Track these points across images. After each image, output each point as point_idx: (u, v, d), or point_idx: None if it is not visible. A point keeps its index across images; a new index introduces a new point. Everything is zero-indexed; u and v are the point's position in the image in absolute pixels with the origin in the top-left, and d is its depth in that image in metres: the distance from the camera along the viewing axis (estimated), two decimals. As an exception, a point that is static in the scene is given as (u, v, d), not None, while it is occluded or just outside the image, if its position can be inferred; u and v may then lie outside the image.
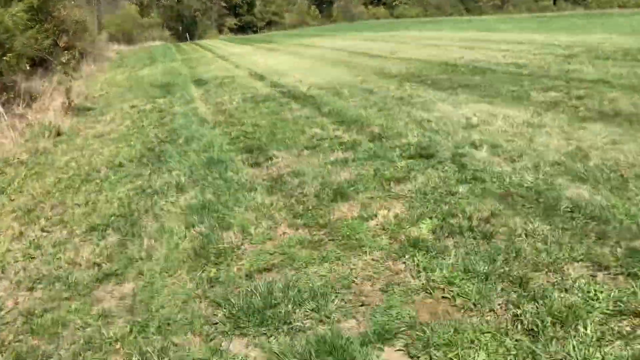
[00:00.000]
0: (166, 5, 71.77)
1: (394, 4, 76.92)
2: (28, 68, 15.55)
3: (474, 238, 3.06)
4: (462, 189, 3.86)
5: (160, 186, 4.90)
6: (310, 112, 7.49)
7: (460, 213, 3.41)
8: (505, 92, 7.52)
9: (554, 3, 78.88)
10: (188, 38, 68.79)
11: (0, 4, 14.06)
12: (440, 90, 8.00)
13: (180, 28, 75.57)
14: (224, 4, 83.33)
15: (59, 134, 8.45)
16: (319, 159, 5.14)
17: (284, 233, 3.51)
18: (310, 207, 3.84)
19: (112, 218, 4.21)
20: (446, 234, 3.16)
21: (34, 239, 4.00)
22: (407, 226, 3.33)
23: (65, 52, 13.66)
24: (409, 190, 3.95)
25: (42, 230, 4.20)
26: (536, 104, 6.68)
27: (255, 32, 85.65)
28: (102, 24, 48.99)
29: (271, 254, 3.19)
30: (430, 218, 3.41)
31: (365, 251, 3.07)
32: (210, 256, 3.25)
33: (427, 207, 3.58)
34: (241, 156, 5.61)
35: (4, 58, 12.14)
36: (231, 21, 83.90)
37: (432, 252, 2.94)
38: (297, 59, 16.71)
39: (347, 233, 3.33)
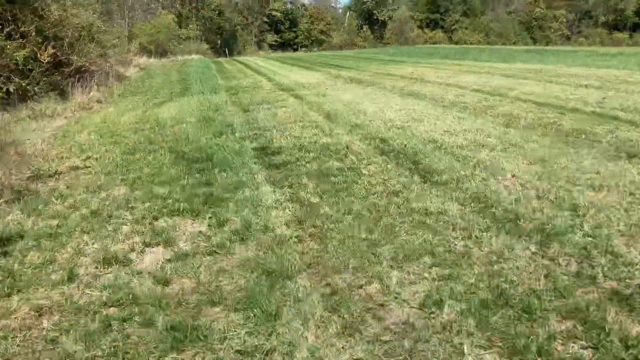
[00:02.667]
0: (206, 17, 66.20)
1: (452, 28, 69.87)
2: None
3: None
4: None
5: None
6: None
7: None
8: None
9: (630, 37, 70.96)
10: (227, 53, 63.06)
11: None
12: None
13: (219, 42, 70.05)
14: (265, 20, 78.00)
15: None
16: None
17: None
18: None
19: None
20: None
21: None
22: None
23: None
24: None
25: None
26: None
27: (295, 49, 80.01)
28: (134, 33, 43.19)
29: None
30: None
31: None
32: None
33: None
34: None
35: None
36: (271, 37, 78.52)
37: None
38: (431, 107, 9.59)
39: None
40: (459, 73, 16.07)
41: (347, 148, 6.60)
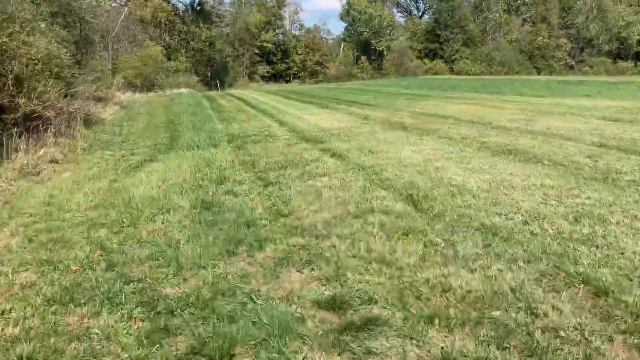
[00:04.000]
0: (196, 48, 63.32)
1: (452, 58, 67.58)
2: None
3: None
4: None
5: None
6: None
7: None
8: None
9: (635, 65, 69.02)
10: (218, 86, 60.02)
11: None
12: None
13: (210, 74, 67.16)
14: (257, 51, 75.46)
15: None
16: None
17: None
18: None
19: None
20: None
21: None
22: None
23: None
24: None
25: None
26: None
27: (287, 81, 77.25)
28: (118, 66, 39.82)
29: None
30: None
31: None
32: None
33: None
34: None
35: None
36: (263, 69, 75.90)
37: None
38: (574, 181, 5.99)
39: None
40: (532, 114, 12.56)
41: (546, 329, 2.93)
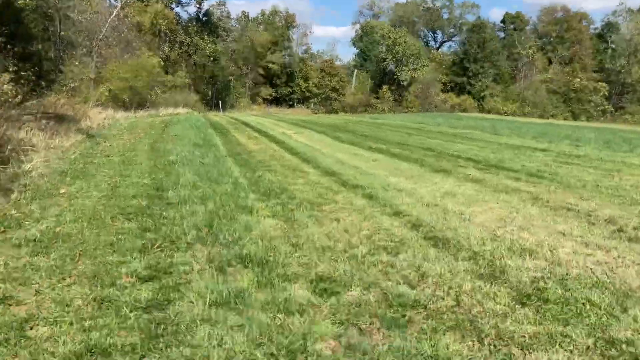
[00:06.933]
0: (198, 63, 56.19)
1: (481, 95, 61.04)
2: None
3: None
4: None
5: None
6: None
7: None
8: None
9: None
10: (220, 107, 52.84)
11: None
12: None
13: (211, 93, 60.04)
14: (261, 72, 68.83)
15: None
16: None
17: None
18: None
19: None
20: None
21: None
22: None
23: None
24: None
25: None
26: None
27: (291, 105, 70.79)
28: (104, 75, 32.17)
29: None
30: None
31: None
32: None
33: None
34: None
35: None
36: (266, 91, 69.21)
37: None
38: None
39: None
40: None
41: None
